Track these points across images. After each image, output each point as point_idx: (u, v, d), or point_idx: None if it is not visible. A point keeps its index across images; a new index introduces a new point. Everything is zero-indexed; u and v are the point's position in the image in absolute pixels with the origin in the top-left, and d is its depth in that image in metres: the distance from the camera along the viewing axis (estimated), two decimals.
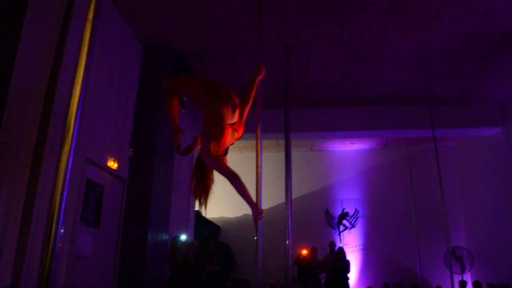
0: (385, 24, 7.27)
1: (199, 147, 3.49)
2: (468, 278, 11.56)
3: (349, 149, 14.16)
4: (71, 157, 2.42)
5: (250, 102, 3.74)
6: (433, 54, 8.34)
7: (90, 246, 5.98)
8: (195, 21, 7.11)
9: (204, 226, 11.72)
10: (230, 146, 3.63)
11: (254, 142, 4.02)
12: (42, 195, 4.56)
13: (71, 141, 2.43)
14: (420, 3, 6.73)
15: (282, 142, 9.80)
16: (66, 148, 2.42)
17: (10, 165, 4.34)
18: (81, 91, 2.51)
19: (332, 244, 11.10)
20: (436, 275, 12.41)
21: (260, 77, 3.88)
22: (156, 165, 7.20)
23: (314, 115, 10.61)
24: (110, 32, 6.54)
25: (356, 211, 13.63)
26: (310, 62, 8.64)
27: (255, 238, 3.67)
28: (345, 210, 13.64)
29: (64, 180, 2.37)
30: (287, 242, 6.78)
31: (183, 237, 8.61)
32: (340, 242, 13.03)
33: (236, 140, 3.58)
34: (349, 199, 13.74)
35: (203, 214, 11.25)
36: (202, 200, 3.48)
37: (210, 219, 12.67)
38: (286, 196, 7.19)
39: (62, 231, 2.34)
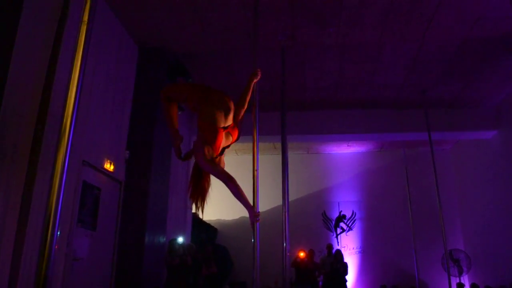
0: (381, 28, 7.30)
1: None
2: (466, 280, 11.58)
3: (346, 152, 14.18)
4: (67, 159, 2.42)
5: (246, 105, 3.78)
6: (428, 58, 8.37)
7: (87, 248, 5.97)
8: (191, 23, 7.13)
9: (201, 229, 11.71)
10: (227, 149, 3.67)
11: (250, 144, 4.03)
12: (38, 197, 4.55)
13: (67, 143, 2.43)
14: (415, 8, 6.77)
15: (278, 144, 9.80)
16: (62, 150, 2.41)
17: (6, 167, 4.33)
18: (76, 93, 2.51)
19: (330, 246, 11.11)
20: (433, 277, 12.44)
21: (255, 80, 3.91)
22: (153, 167, 7.20)
23: (310, 118, 10.64)
24: (106, 35, 6.55)
25: (353, 213, 13.65)
26: (306, 65, 8.66)
27: (252, 240, 3.67)
28: (342, 213, 13.66)
29: (61, 182, 2.37)
30: (284, 244, 6.77)
31: (180, 239, 8.60)
32: (338, 245, 13.05)
33: (232, 143, 3.61)
34: (346, 202, 13.76)
35: (200, 217, 11.25)
36: (199, 203, 3.51)
37: (207, 222, 12.68)
38: (283, 199, 7.18)
39: (58, 233, 2.33)
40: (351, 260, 12.82)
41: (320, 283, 10.68)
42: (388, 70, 8.87)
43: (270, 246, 9.70)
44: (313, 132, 10.82)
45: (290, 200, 7.66)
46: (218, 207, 11.34)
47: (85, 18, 2.66)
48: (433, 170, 9.28)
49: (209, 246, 9.31)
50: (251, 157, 3.99)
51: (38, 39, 4.86)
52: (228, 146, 3.60)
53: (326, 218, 13.68)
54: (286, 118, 7.70)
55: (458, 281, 10.90)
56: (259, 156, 4.00)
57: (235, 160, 12.27)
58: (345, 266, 10.39)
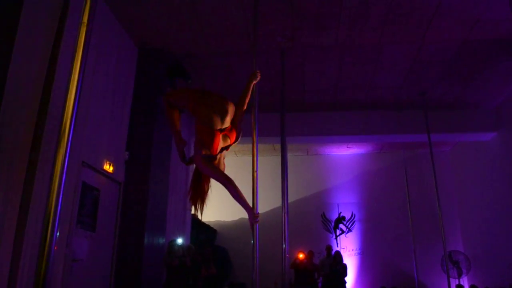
0: (380, 30, 7.31)
1: None
2: (465, 282, 11.59)
3: (345, 154, 14.19)
4: (67, 160, 2.42)
5: (245, 106, 3.78)
6: (428, 60, 8.38)
7: (87, 249, 5.97)
8: (190, 24, 7.13)
9: (200, 230, 11.71)
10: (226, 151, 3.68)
11: (250, 146, 4.04)
12: (37, 198, 4.55)
13: (67, 144, 2.44)
14: (415, 10, 6.77)
15: (278, 146, 9.83)
16: (62, 151, 2.42)
17: (5, 168, 4.33)
18: (76, 94, 2.51)
19: (329, 248, 11.11)
20: (433, 279, 12.44)
21: (255, 82, 3.92)
22: (152, 169, 7.20)
23: (310, 119, 10.65)
24: (106, 36, 6.55)
25: (352, 215, 13.65)
26: (305, 66, 8.67)
27: (252, 241, 3.68)
28: (341, 214, 13.66)
29: (60, 183, 2.37)
30: (283, 245, 6.78)
31: (180, 240, 8.60)
32: (337, 246, 13.06)
33: (231, 144, 3.62)
34: (345, 203, 13.77)
35: (199, 218, 11.25)
36: (198, 205, 3.54)
37: (207, 223, 12.68)
38: (283, 200, 7.20)
39: (58, 234, 2.34)
40: (351, 261, 12.83)
41: (320, 284, 10.68)
42: (387, 71, 8.88)
43: (269, 247, 9.72)
44: (312, 133, 10.82)
45: (289, 201, 7.69)
46: (218, 208, 11.36)
47: (85, 19, 2.67)
48: (433, 171, 9.29)
49: (208, 247, 9.32)
50: (250, 158, 3.99)
51: (38, 40, 4.86)
52: (227, 148, 3.61)
53: (325, 220, 13.68)
54: (285, 119, 7.72)
55: (457, 282, 10.90)
56: (259, 158, 4.00)
57: (235, 162, 12.27)
58: (344, 268, 10.40)
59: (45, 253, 2.25)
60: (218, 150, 3.49)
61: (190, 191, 3.59)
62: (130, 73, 7.49)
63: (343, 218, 13.63)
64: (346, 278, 10.43)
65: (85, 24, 2.66)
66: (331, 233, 13.56)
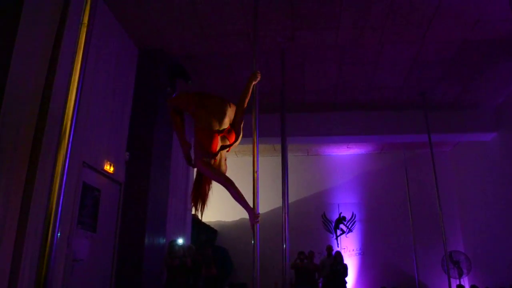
0: (380, 30, 7.31)
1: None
2: (466, 282, 11.58)
3: (346, 154, 14.19)
4: (67, 160, 2.43)
5: (244, 107, 3.79)
6: (428, 60, 8.38)
7: (87, 249, 5.97)
8: (191, 25, 7.13)
9: (201, 230, 11.72)
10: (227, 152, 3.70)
11: (250, 146, 4.04)
12: (38, 199, 4.56)
13: (67, 144, 2.44)
14: (414, 10, 6.78)
15: (278, 146, 9.82)
16: (62, 151, 2.42)
17: (6, 169, 4.33)
18: (76, 94, 2.52)
19: (330, 248, 11.11)
20: (433, 279, 12.44)
21: (255, 82, 3.92)
22: (153, 169, 7.21)
23: (310, 119, 10.65)
24: (106, 37, 6.56)
25: (353, 215, 13.66)
26: (305, 66, 8.67)
27: (252, 242, 3.68)
28: (342, 215, 13.67)
29: (61, 184, 2.38)
30: (284, 246, 6.78)
31: (180, 240, 8.60)
32: (338, 246, 13.06)
33: (230, 144, 3.62)
34: (346, 204, 13.77)
35: (200, 218, 11.26)
36: (199, 206, 3.57)
37: (207, 223, 12.68)
38: (283, 200, 7.19)
39: (59, 234, 2.34)
40: (351, 261, 12.83)
41: (320, 284, 10.68)
42: (387, 71, 8.88)
43: (270, 247, 9.73)
44: (312, 134, 10.82)
45: (290, 201, 7.68)
46: (218, 208, 11.37)
47: (85, 20, 2.67)
48: (433, 172, 9.30)
49: (209, 248, 9.32)
50: (251, 159, 4.00)
51: (38, 41, 4.87)
52: (228, 149, 3.62)
53: (326, 220, 13.69)
54: (285, 120, 7.72)
55: (458, 283, 10.90)
56: (259, 158, 4.01)
57: (235, 162, 12.28)
58: (345, 268, 10.40)
59: (46, 254, 2.25)
60: (217, 151, 3.51)
61: (192, 192, 3.64)
62: (131, 74, 7.49)
63: (344, 218, 13.63)
64: (346, 278, 10.43)
65: (86, 24, 2.66)
66: (331, 233, 13.57)
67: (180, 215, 9.58)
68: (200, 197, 3.60)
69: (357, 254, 13.29)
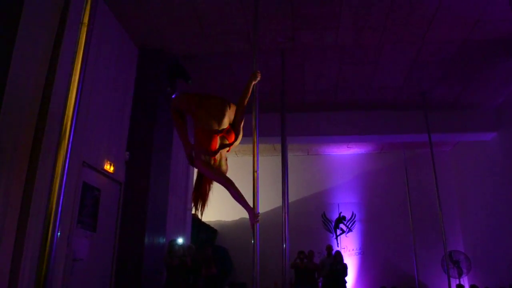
0: (380, 30, 7.31)
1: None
2: (465, 282, 11.59)
3: (346, 154, 14.20)
4: (68, 160, 2.43)
5: (244, 106, 3.79)
6: (428, 60, 8.38)
7: (87, 249, 5.98)
8: (191, 25, 7.13)
9: (201, 230, 11.72)
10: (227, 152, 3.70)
11: (251, 146, 4.05)
12: (38, 199, 4.56)
13: (67, 144, 2.45)
14: (415, 10, 6.78)
15: (278, 146, 9.83)
16: (62, 151, 2.43)
17: (6, 168, 4.34)
18: (76, 94, 2.52)
19: (329, 247, 11.11)
20: (433, 279, 12.45)
21: (254, 82, 3.92)
22: (153, 169, 7.21)
23: (310, 119, 10.65)
24: (106, 36, 6.56)
25: (353, 215, 13.66)
26: (305, 66, 8.67)
27: (252, 241, 3.68)
28: (342, 214, 13.67)
29: (61, 183, 2.38)
30: (284, 245, 6.79)
31: (180, 240, 8.60)
32: (337, 246, 13.06)
33: (229, 143, 3.62)
34: (346, 203, 13.77)
35: (200, 218, 11.27)
36: (199, 206, 3.58)
37: (207, 223, 12.69)
38: (283, 200, 7.21)
39: (59, 234, 2.34)
40: (351, 261, 12.83)
41: (320, 284, 10.68)
42: (388, 71, 8.88)
43: (270, 247, 9.74)
44: (312, 133, 10.82)
45: (290, 201, 7.70)
46: (218, 208, 11.36)
47: (85, 20, 2.67)
48: (433, 171, 9.30)
49: (208, 247, 9.32)
50: (251, 158, 4.01)
51: (39, 40, 4.87)
52: (228, 148, 3.63)
53: (326, 220, 13.69)
54: (286, 119, 7.73)
55: (457, 282, 10.90)
56: (259, 158, 4.01)
57: (235, 162, 12.27)
58: (344, 267, 10.40)
59: (46, 253, 2.26)
60: (216, 151, 3.52)
61: (193, 192, 3.66)
62: (131, 73, 7.49)
63: (344, 218, 13.64)
64: (346, 278, 10.42)
65: (86, 24, 2.67)
66: (331, 233, 13.57)
67: (180, 214, 9.58)
68: (201, 197, 3.61)
69: (357, 253, 13.30)
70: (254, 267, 3.62)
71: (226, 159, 3.67)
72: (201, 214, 3.71)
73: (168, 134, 7.99)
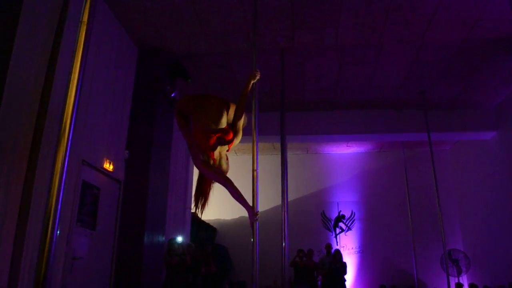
0: (380, 29, 7.30)
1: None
2: (465, 280, 11.60)
3: (345, 152, 14.20)
4: (67, 159, 2.43)
5: (244, 105, 3.79)
6: (428, 59, 8.38)
7: (87, 247, 5.98)
8: (190, 24, 7.13)
9: (200, 228, 11.73)
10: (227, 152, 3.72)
11: (250, 145, 4.06)
12: (38, 197, 4.57)
13: (67, 143, 2.44)
14: (414, 10, 6.77)
15: (278, 145, 9.84)
16: (62, 150, 2.42)
17: (5, 167, 4.34)
18: (76, 93, 2.52)
19: (329, 246, 11.12)
20: (432, 277, 12.46)
21: (253, 81, 3.93)
22: (152, 167, 7.21)
23: (309, 118, 10.65)
24: (106, 35, 6.56)
25: (352, 213, 13.67)
26: (305, 66, 8.67)
27: (252, 240, 3.69)
28: (341, 213, 13.68)
29: (60, 182, 2.38)
30: (283, 244, 6.79)
31: (180, 238, 8.61)
32: (337, 244, 13.07)
33: (227, 140, 3.62)
34: (345, 202, 13.78)
35: (199, 216, 11.26)
36: (200, 205, 3.61)
37: (207, 221, 12.69)
38: (283, 199, 7.21)
39: (58, 232, 2.34)
40: (350, 260, 12.84)
41: (319, 282, 10.69)
42: (387, 71, 8.88)
43: (269, 245, 9.75)
44: (312, 132, 10.82)
45: (289, 200, 7.70)
46: (218, 207, 11.35)
47: (85, 18, 2.67)
48: (433, 170, 9.30)
49: (208, 246, 9.33)
50: (250, 157, 4.01)
51: (38, 39, 4.87)
52: (227, 149, 3.64)
53: (325, 218, 13.70)
54: (285, 118, 7.73)
55: (457, 281, 10.91)
56: (259, 156, 4.02)
57: (235, 161, 12.27)
58: (344, 266, 10.41)
59: (45, 251, 2.26)
60: (215, 151, 3.53)
61: (195, 191, 3.70)
62: (130, 72, 7.50)
63: (343, 216, 13.65)
64: (345, 277, 10.43)
65: (85, 23, 2.66)
66: (330, 231, 13.58)
67: (180, 213, 9.59)
68: (202, 196, 3.63)
69: (356, 252, 13.31)
70: (254, 266, 3.63)
71: (227, 159, 3.69)
72: (202, 213, 3.73)
73: (167, 133, 7.99)
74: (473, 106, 10.53)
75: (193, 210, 8.22)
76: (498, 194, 10.48)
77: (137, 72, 7.63)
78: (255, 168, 3.90)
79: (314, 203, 13.71)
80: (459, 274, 11.10)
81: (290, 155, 12.05)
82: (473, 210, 12.18)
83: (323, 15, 6.92)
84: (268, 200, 12.22)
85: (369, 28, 7.28)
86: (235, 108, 3.73)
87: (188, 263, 8.00)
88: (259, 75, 3.96)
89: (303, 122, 10.60)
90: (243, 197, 3.52)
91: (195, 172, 3.76)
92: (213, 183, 3.69)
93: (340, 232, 13.53)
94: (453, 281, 10.40)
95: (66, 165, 2.42)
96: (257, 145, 3.99)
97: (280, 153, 7.69)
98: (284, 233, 6.85)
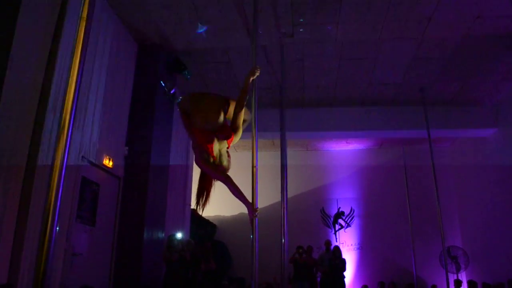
0: (380, 26, 7.29)
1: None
2: (463, 277, 11.61)
3: (345, 149, 14.19)
4: (66, 155, 2.43)
5: (243, 102, 3.78)
6: (427, 56, 8.38)
7: (86, 244, 5.99)
8: (190, 20, 7.12)
9: (200, 225, 11.73)
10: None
11: (250, 141, 4.06)
12: (37, 193, 4.56)
13: (66, 139, 2.44)
14: (414, 6, 6.76)
15: (277, 141, 9.80)
16: (61, 146, 2.42)
17: (5, 164, 4.34)
18: (75, 89, 2.51)
19: (328, 243, 11.12)
20: (431, 274, 12.46)
21: (253, 77, 3.91)
22: (152, 164, 7.21)
23: (309, 115, 10.64)
24: (105, 31, 6.54)
25: (351, 210, 13.67)
26: (305, 62, 8.66)
27: (251, 236, 3.70)
28: (340, 209, 13.68)
29: (60, 178, 2.38)
30: (283, 240, 6.80)
31: (179, 235, 8.61)
32: (336, 241, 13.08)
33: (226, 139, 3.62)
34: (344, 198, 13.78)
35: (199, 213, 11.26)
36: (201, 202, 3.61)
37: (206, 218, 12.69)
38: (282, 195, 7.21)
39: (57, 228, 2.34)
40: (349, 256, 12.86)
41: (318, 279, 10.70)
42: (387, 67, 8.87)
43: (268, 242, 9.74)
44: (312, 129, 10.82)
45: (288, 196, 7.68)
46: (217, 203, 11.32)
47: (84, 14, 2.66)
48: (432, 167, 9.29)
49: (208, 242, 9.33)
50: (250, 153, 4.02)
51: (37, 35, 4.86)
52: (227, 146, 3.64)
53: (324, 215, 13.71)
54: (285, 115, 7.72)
55: (455, 278, 10.93)
56: (258, 153, 4.02)
57: (235, 157, 12.17)
58: (343, 263, 10.42)
59: (44, 248, 2.26)
60: (214, 148, 3.53)
61: (197, 189, 3.72)
62: (130, 68, 7.48)
63: (342, 213, 13.65)
64: (345, 273, 10.45)
65: (85, 19, 2.65)
66: (330, 228, 13.59)
67: (179, 209, 9.59)
68: (203, 194, 3.64)
69: (355, 249, 13.32)
70: (253, 262, 3.63)
71: (229, 156, 3.69)
72: (202, 210, 3.73)
73: (167, 129, 7.99)
74: (472, 103, 10.52)
75: (193, 207, 8.20)
76: (497, 191, 10.48)
77: (137, 68, 7.62)
78: (254, 165, 3.91)
79: (313, 199, 13.71)
80: (458, 271, 11.11)
81: (289, 152, 11.98)
82: (472, 206, 12.19)
83: (323, 11, 6.91)
84: (267, 197, 12.20)
85: (369, 24, 7.27)
86: (235, 105, 3.72)
87: (188, 259, 8.00)
88: (258, 72, 3.95)
89: (303, 118, 10.59)
90: (242, 194, 3.53)
91: (195, 169, 3.78)
92: (214, 181, 3.69)
93: (339, 229, 13.54)
94: (452, 278, 10.40)
95: (65, 161, 2.42)
96: (256, 141, 4.00)
97: (279, 149, 7.68)
98: (284, 229, 6.86)
